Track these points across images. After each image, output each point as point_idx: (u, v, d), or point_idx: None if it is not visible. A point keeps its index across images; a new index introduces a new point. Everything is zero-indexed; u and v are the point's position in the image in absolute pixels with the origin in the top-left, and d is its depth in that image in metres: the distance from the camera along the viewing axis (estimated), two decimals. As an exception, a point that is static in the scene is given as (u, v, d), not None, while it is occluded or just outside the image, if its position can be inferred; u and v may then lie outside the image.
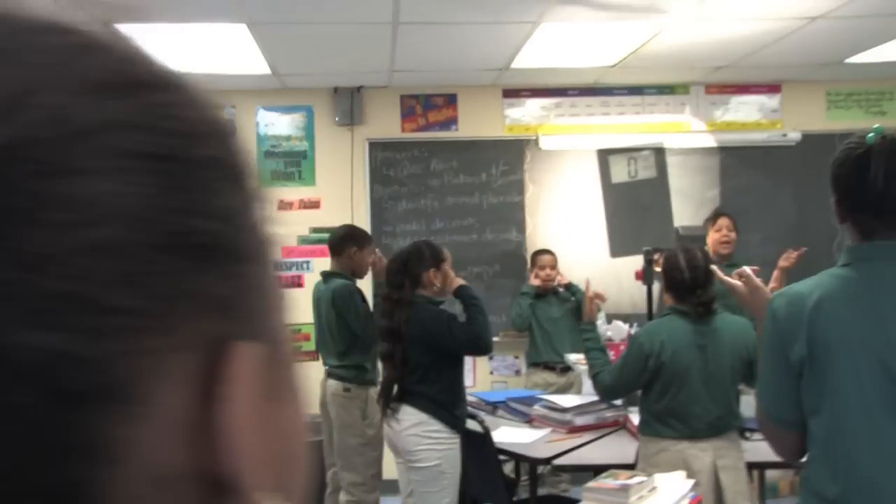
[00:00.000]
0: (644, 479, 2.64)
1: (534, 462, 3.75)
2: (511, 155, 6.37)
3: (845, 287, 1.79)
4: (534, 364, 5.60)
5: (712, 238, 5.28)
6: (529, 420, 4.29)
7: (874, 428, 1.73)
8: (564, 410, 4.13)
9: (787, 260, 5.06)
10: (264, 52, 5.18)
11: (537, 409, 4.27)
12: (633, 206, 6.40)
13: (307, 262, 6.23)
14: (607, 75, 6.14)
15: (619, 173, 6.46)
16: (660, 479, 2.73)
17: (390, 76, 6.00)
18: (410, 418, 3.68)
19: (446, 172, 6.34)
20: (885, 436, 1.72)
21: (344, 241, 4.67)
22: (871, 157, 1.77)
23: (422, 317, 3.70)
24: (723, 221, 5.30)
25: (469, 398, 4.76)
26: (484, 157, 6.36)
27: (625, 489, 2.54)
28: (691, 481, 2.75)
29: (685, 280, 3.30)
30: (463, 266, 6.21)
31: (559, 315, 5.56)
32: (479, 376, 6.29)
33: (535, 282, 5.60)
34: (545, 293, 5.60)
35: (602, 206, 6.39)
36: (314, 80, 6.06)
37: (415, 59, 5.51)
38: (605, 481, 2.62)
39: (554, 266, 5.62)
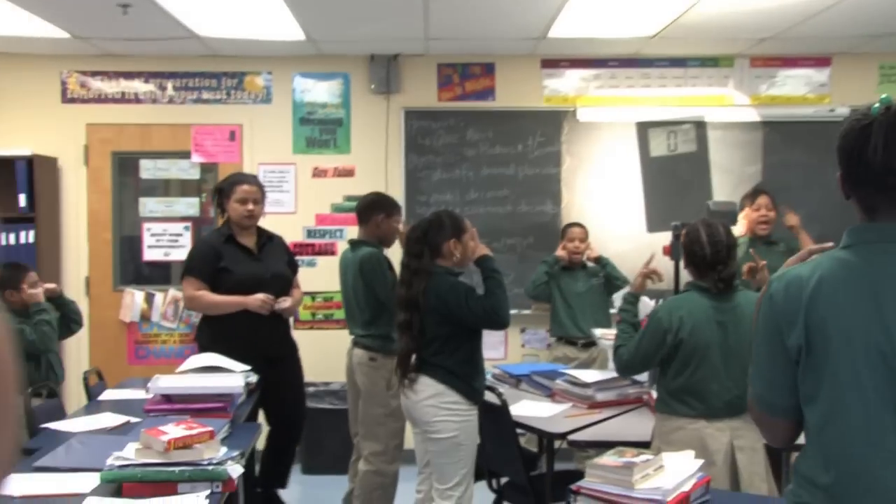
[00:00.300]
0: (650, 457, 2.57)
1: (549, 436, 3.69)
2: (548, 126, 6.28)
3: (845, 271, 1.70)
4: (557, 338, 5.54)
5: (750, 216, 5.16)
6: (551, 394, 4.24)
7: (869, 417, 1.65)
8: (586, 385, 4.07)
9: (791, 219, 5.06)
10: (297, 17, 5.14)
11: (559, 384, 4.21)
12: (672, 180, 6.27)
13: (340, 231, 6.22)
14: (648, 46, 5.99)
15: (658, 147, 6.33)
16: (667, 457, 2.66)
17: (427, 44, 5.93)
18: (428, 389, 3.65)
19: (482, 143, 6.27)
20: (881, 425, 1.64)
21: (371, 209, 4.64)
22: (873, 128, 1.67)
23: (439, 287, 3.66)
24: (762, 200, 5.17)
25: (494, 371, 4.73)
26: (521, 128, 6.27)
27: (629, 467, 2.47)
28: (700, 461, 2.68)
29: (706, 255, 3.22)
30: (496, 237, 6.17)
31: (584, 290, 5.49)
32: (511, 349, 6.25)
33: (561, 253, 5.52)
34: (572, 266, 5.52)
35: (640, 180, 6.27)
36: (350, 46, 6.02)
37: (449, 25, 5.43)
38: (610, 458, 2.56)
39: (584, 239, 5.53)
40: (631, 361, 3.39)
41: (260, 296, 4.32)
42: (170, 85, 6.21)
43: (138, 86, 6.19)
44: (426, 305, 3.66)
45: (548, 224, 6.21)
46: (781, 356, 1.76)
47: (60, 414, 3.95)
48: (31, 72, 6.13)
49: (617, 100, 6.30)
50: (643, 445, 3.21)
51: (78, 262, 6.19)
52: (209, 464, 2.76)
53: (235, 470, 2.82)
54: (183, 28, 5.38)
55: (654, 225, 6.21)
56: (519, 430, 3.88)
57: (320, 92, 6.30)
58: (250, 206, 4.45)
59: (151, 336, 6.24)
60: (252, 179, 4.60)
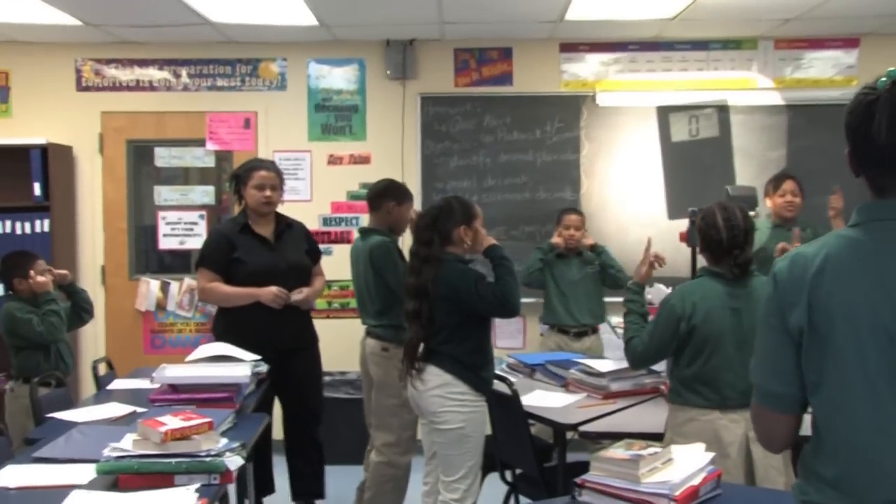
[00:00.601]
0: (658, 449, 2.47)
1: (560, 427, 3.60)
2: (567, 111, 6.16)
3: (852, 249, 1.60)
4: (549, 326, 5.45)
5: (776, 202, 5.02)
6: (566, 384, 4.14)
7: (878, 404, 1.54)
8: (600, 375, 3.97)
9: (837, 201, 4.83)
10: (307, 1, 5.06)
11: (573, 374, 4.12)
12: (694, 165, 6.14)
13: (356, 218, 6.15)
14: (669, 29, 5.86)
15: (680, 132, 6.20)
16: (677, 450, 2.56)
17: (442, 28, 5.84)
18: (435, 379, 3.57)
19: (500, 129, 6.17)
20: (890, 412, 1.54)
21: (382, 196, 4.55)
22: (878, 104, 1.56)
23: (449, 275, 3.58)
24: (787, 185, 5.03)
25: (508, 360, 4.65)
26: (539, 114, 6.17)
27: (635, 460, 2.38)
28: (711, 454, 2.58)
29: (722, 240, 3.11)
30: (515, 225, 6.08)
31: (578, 278, 5.37)
32: (529, 337, 6.16)
33: (556, 240, 5.39)
34: (566, 254, 5.41)
35: (660, 166, 6.14)
36: (365, 31, 5.94)
37: (465, 9, 5.33)
38: (616, 451, 2.47)
39: (580, 227, 5.41)
40: (646, 352, 3.29)
41: (272, 289, 4.23)
42: (184, 72, 6.16)
43: (153, 73, 6.15)
44: (436, 293, 3.58)
45: (567, 211, 6.09)
46: (784, 338, 1.66)
47: (68, 403, 3.92)
48: (46, 60, 6.11)
49: (637, 84, 6.17)
50: (658, 437, 3.12)
51: (93, 251, 6.17)
52: (207, 455, 2.70)
53: (234, 462, 2.76)
54: (195, 14, 5.32)
55: (674, 211, 6.08)
56: (532, 421, 3.79)
57: (336, 78, 6.23)
58: (268, 193, 4.36)
59: (167, 325, 6.22)
60: (269, 165, 4.50)
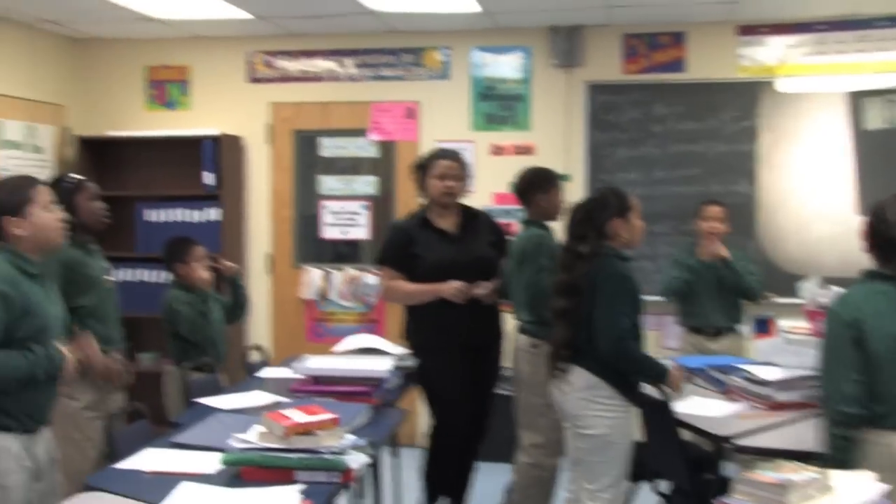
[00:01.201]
0: (815, 475, 2.18)
1: (713, 438, 3.31)
2: (744, 99, 5.76)
3: None
4: (688, 328, 5.11)
5: None
6: (726, 391, 3.83)
7: None
8: (765, 384, 3.63)
9: None
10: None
11: (734, 380, 3.80)
12: (890, 156, 5.59)
13: (519, 210, 5.96)
14: (865, 4, 5.36)
15: (875, 119, 5.65)
16: (839, 476, 2.25)
17: (610, 13, 5.57)
18: (580, 381, 3.38)
19: (670, 118, 5.84)
20: None
21: (526, 190, 4.35)
22: None
23: (606, 270, 3.38)
24: None
25: (665, 362, 4.36)
26: (713, 101, 5.79)
27: (784, 485, 2.11)
28: (884, 486, 2.25)
29: (892, 237, 2.74)
30: (685, 219, 5.73)
31: (713, 279, 5.01)
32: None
33: (705, 230, 5.06)
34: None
35: (850, 157, 5.63)
36: (529, 18, 5.76)
37: (631, -10, 5.06)
38: (764, 473, 2.19)
39: (723, 219, 5.03)
40: (843, 390, 2.70)
41: (454, 283, 4.04)
42: (349, 62, 6.19)
43: (319, 64, 6.22)
44: (588, 290, 3.38)
45: (742, 205, 5.69)
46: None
47: (217, 389, 3.97)
48: (220, 54, 6.29)
49: (824, 67, 5.67)
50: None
51: (260, 240, 6.32)
52: (328, 452, 2.62)
53: (357, 460, 2.67)
54: (359, 4, 5.32)
55: (867, 207, 5.54)
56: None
57: (499, 66, 6.08)
58: (449, 183, 4.19)
59: (329, 314, 6.28)
60: (453, 155, 4.31)
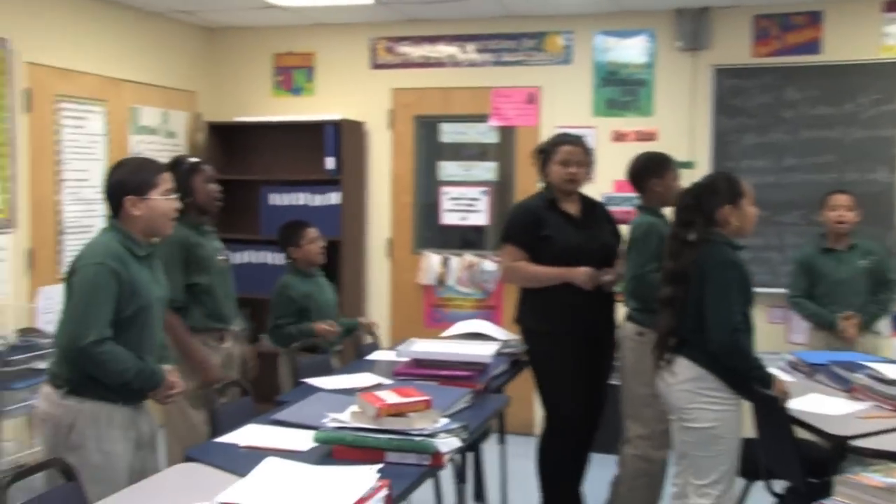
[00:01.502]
0: (928, 481, 2.03)
1: (829, 438, 3.13)
2: (887, 81, 5.43)
3: None
4: (812, 324, 4.83)
5: None
6: (850, 389, 3.62)
7: None
8: (892, 383, 3.41)
9: None
10: (586, -31, 4.84)
11: (859, 378, 3.58)
12: None
13: (639, 198, 5.82)
14: None
15: None
16: (956, 483, 2.08)
17: (739, -8, 5.36)
18: (686, 372, 3.26)
19: (802, 102, 5.57)
20: None
21: (641, 177, 4.21)
22: None
23: (713, 257, 3.26)
24: None
25: (789, 357, 4.17)
26: (851, 85, 5.48)
27: (892, 490, 1.97)
28: None
29: None
30: (816, 209, 5.45)
31: (846, 276, 4.72)
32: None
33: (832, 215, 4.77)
34: (834, 248, 4.75)
35: None
36: (654, 0, 5.59)
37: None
38: (871, 476, 2.06)
39: (851, 208, 4.73)
40: None
41: (586, 269, 3.94)
42: (470, 47, 6.16)
43: (441, 49, 6.22)
44: (695, 278, 3.26)
45: (880, 195, 5.39)
46: None
47: (326, 370, 4.02)
48: (343, 40, 6.38)
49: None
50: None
51: (380, 224, 6.38)
52: (418, 435, 2.61)
53: (448, 443, 2.65)
54: (478, -12, 5.30)
55: None
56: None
57: (623, 50, 5.94)
58: (572, 169, 4.10)
59: (446, 300, 6.29)
60: (576, 140, 4.21)
